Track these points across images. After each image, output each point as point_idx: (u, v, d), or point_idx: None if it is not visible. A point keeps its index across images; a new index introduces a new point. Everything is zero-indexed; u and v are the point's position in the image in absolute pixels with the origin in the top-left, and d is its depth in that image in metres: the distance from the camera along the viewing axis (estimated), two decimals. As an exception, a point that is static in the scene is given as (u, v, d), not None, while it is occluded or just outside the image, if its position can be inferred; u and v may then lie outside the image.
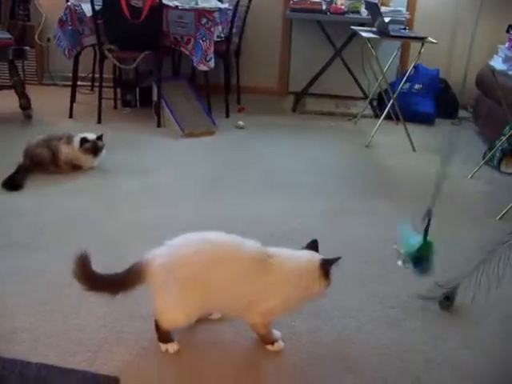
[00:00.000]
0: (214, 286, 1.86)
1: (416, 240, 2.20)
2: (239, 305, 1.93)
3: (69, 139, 3.64)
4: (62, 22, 4.84)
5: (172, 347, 1.98)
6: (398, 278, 2.53)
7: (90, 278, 1.90)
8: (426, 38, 4.28)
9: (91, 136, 3.65)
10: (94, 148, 3.63)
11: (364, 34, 4.43)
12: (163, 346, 1.98)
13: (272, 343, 2.01)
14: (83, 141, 3.60)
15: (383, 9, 4.96)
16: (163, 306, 1.92)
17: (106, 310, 2.19)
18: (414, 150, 4.38)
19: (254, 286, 1.89)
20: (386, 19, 4.46)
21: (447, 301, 2.32)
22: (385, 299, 2.37)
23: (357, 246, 2.83)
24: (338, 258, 1.92)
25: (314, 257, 1.97)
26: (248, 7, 5.26)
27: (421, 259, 2.19)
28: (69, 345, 1.99)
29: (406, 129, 4.44)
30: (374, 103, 5.49)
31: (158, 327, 1.97)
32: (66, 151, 3.60)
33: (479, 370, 1.98)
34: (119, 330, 2.08)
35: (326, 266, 1.93)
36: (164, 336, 1.99)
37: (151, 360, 1.94)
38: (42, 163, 3.57)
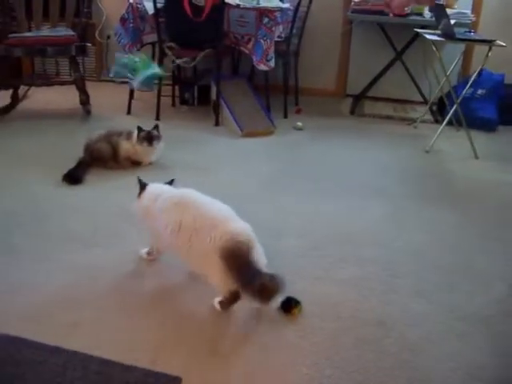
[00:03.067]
0: None
1: None
2: None
3: (129, 135, 3.66)
4: (123, 20, 4.89)
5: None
6: (462, 289, 2.44)
7: None
8: (495, 41, 4.14)
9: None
10: (148, 136, 3.61)
11: (429, 37, 4.32)
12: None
13: None
14: (139, 129, 3.61)
15: (447, 11, 4.82)
16: None
17: (165, 307, 2.18)
18: (476, 157, 4.25)
19: None
20: (451, 22, 4.33)
21: None
22: (450, 310, 2.28)
23: (420, 252, 2.75)
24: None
25: None
26: (308, 8, 5.21)
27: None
28: (130, 341, 1.98)
29: (468, 135, 4.31)
30: (434, 108, 5.36)
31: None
32: (126, 147, 3.62)
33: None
34: (180, 329, 2.06)
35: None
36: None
37: (213, 361, 1.90)
38: (102, 158, 3.59)
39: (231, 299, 2.14)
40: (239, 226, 2.13)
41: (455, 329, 2.15)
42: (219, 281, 2.09)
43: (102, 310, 2.15)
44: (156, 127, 3.68)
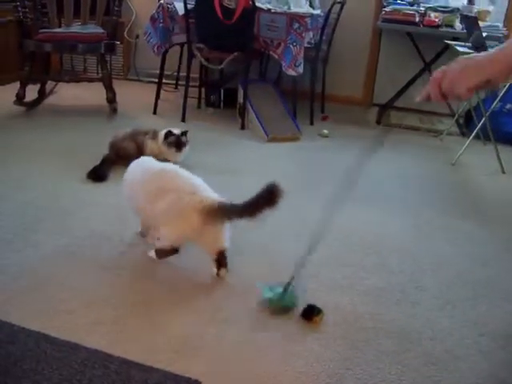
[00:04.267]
0: None
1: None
2: None
3: (155, 134, 3.66)
4: (153, 20, 4.90)
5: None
6: (487, 304, 2.39)
7: None
8: (526, 55, 4.08)
9: (176, 131, 3.65)
10: (177, 142, 3.62)
11: (460, 49, 4.27)
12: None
13: None
14: (168, 134, 3.61)
15: (479, 24, 4.78)
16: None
17: (187, 309, 2.16)
18: (503, 171, 4.19)
19: None
20: (483, 35, 4.29)
21: None
22: (475, 325, 2.24)
23: (445, 265, 2.71)
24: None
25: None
26: (339, 15, 5.19)
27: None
28: (150, 342, 1.96)
29: (496, 149, 4.26)
30: (460, 121, 5.31)
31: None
32: (152, 146, 3.62)
33: None
34: (201, 332, 2.04)
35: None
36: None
37: (233, 365, 1.88)
38: (127, 156, 3.57)
39: (170, 251, 2.41)
40: (216, 196, 2.38)
41: (480, 345, 2.11)
42: (170, 234, 2.35)
43: (124, 308, 2.14)
44: (185, 133, 3.67)
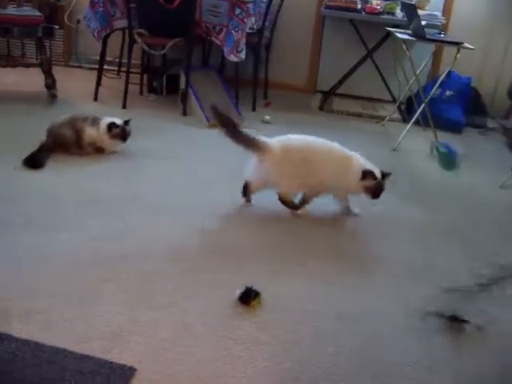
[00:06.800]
0: (313, 167, 2.82)
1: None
2: (326, 184, 2.88)
3: (94, 121, 3.57)
4: (93, 3, 4.78)
5: (302, 211, 2.95)
6: (427, 289, 2.42)
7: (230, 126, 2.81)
8: (463, 43, 4.17)
9: (118, 121, 3.58)
10: (122, 134, 3.56)
11: (400, 35, 4.33)
12: (298, 212, 2.95)
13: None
14: (112, 126, 3.53)
15: (419, 12, 4.85)
16: (282, 178, 2.82)
17: (123, 297, 2.14)
18: (441, 157, 4.28)
19: (337, 173, 2.86)
20: (422, 23, 4.36)
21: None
22: (410, 305, 2.27)
23: (387, 253, 2.75)
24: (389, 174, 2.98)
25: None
26: (282, 1, 5.18)
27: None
28: (84, 330, 1.93)
29: (435, 135, 4.34)
30: (402, 107, 5.39)
31: (283, 201, 2.91)
32: (91, 133, 3.53)
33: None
34: (137, 319, 2.01)
35: (367, 175, 2.91)
36: (292, 205, 2.93)
37: (169, 352, 1.86)
38: (65, 143, 3.51)
39: None
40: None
41: (416, 328, 2.14)
42: None
43: (59, 297, 2.10)
44: (128, 122, 3.61)
